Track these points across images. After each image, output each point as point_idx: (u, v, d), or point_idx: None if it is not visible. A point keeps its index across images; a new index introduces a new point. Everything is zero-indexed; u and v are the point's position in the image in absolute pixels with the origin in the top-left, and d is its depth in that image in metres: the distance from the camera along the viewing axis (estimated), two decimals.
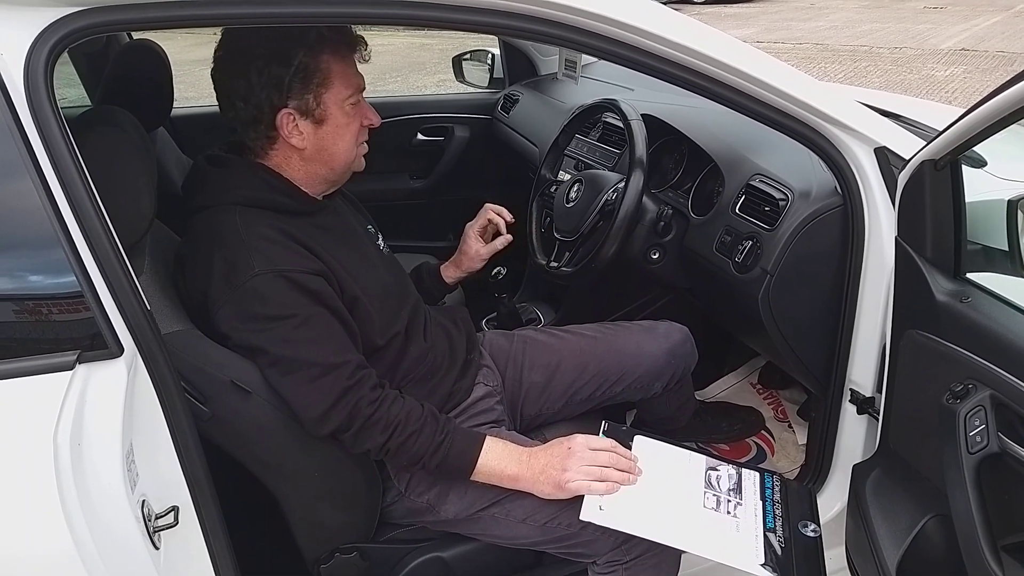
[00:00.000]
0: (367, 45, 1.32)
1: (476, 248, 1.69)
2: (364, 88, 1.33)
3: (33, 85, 0.95)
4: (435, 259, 1.79)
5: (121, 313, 1.00)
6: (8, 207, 0.96)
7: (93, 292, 0.97)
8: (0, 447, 0.94)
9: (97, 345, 0.98)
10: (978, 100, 1.04)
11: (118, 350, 0.99)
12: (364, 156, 1.39)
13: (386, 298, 1.38)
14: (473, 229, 1.70)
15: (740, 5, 15.27)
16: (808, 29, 12.07)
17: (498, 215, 1.70)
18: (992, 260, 1.27)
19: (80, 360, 0.96)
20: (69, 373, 0.95)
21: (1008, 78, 0.98)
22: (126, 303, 1.00)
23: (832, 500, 1.58)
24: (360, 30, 1.34)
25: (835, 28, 12.09)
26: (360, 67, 1.33)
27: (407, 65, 8.73)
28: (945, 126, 1.12)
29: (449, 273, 1.72)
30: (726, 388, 2.22)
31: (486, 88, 2.91)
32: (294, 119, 1.27)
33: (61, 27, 0.97)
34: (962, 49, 9.79)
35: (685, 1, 14.75)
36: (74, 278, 0.96)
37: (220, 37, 1.28)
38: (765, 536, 1.28)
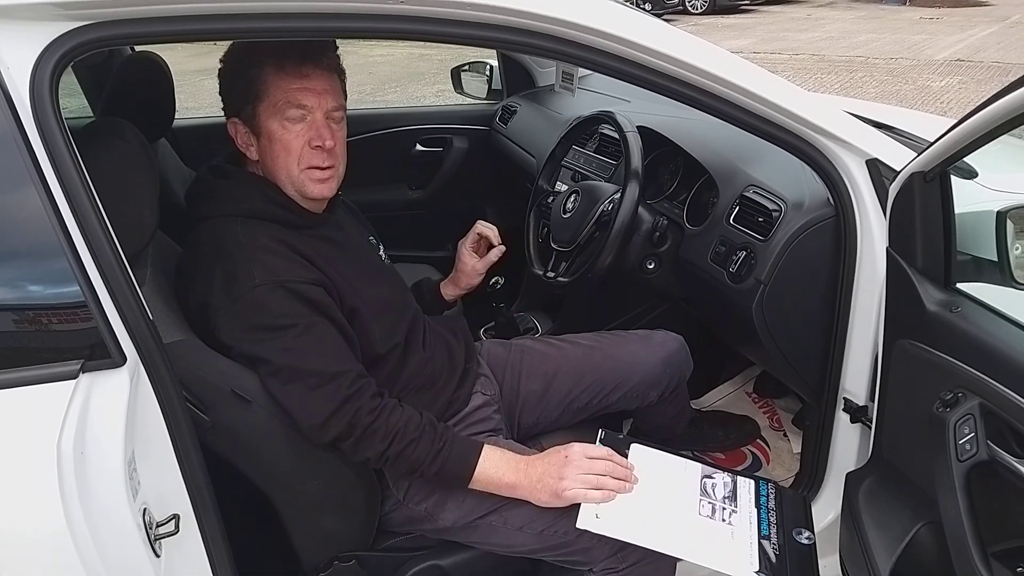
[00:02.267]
0: (328, 62, 1.29)
1: (472, 264, 1.69)
2: (328, 108, 1.29)
3: (38, 98, 0.96)
4: (434, 269, 1.79)
5: (124, 323, 1.01)
6: (13, 217, 0.97)
7: (96, 302, 0.98)
8: (5, 455, 0.96)
9: (100, 354, 0.99)
10: (966, 113, 1.06)
11: (121, 359, 1.00)
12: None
13: (385, 310, 1.39)
14: (465, 246, 1.69)
15: (737, 16, 15.37)
16: (805, 40, 12.14)
17: (487, 228, 1.70)
18: (981, 270, 1.29)
19: (83, 369, 0.97)
20: (73, 382, 0.96)
21: (997, 90, 1.00)
22: (129, 313, 1.02)
23: (826, 508, 1.59)
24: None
25: (831, 39, 12.16)
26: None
27: (406, 76, 8.75)
28: (934, 138, 1.14)
29: (448, 291, 1.73)
30: (722, 397, 2.24)
31: (484, 99, 2.93)
32: (246, 131, 1.31)
33: (66, 41, 0.98)
34: (957, 60, 9.85)
35: (682, 12, 14.86)
36: (77, 288, 0.97)
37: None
38: (760, 543, 1.29)
